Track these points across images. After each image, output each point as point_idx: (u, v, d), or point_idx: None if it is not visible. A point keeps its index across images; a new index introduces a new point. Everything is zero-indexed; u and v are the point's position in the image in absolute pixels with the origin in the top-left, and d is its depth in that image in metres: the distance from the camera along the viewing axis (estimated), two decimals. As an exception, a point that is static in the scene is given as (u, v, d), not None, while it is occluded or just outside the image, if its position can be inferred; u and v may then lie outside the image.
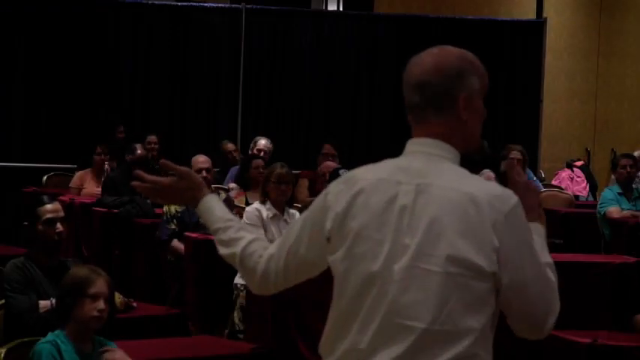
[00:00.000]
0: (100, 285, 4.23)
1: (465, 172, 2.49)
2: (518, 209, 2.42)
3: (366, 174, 2.55)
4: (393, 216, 2.45)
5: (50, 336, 4.17)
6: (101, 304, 4.20)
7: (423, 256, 2.40)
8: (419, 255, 2.40)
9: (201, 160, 8.20)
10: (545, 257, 2.52)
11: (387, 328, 2.43)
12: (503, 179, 2.63)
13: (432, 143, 2.50)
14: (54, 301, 4.92)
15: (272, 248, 2.71)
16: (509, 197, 2.42)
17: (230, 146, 11.37)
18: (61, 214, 5.20)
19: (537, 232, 2.57)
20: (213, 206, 2.80)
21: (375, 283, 2.45)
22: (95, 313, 4.19)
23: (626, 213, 9.41)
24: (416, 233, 2.41)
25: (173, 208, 7.96)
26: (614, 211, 9.41)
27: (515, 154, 10.00)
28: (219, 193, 8.27)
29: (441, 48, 2.56)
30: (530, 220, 2.55)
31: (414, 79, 2.52)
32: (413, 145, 2.54)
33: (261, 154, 10.39)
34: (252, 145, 10.92)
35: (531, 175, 10.84)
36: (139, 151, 9.54)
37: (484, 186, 2.44)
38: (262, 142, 10.83)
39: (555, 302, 2.46)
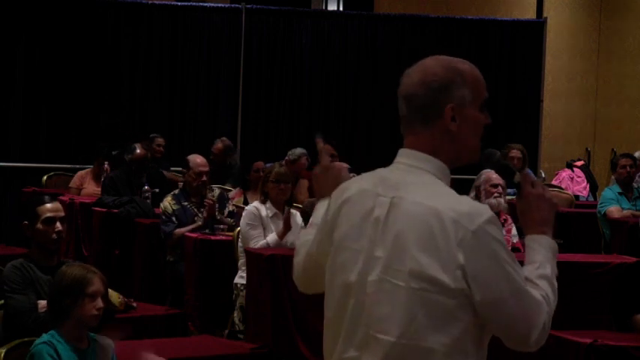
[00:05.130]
0: (97, 284, 4.26)
1: (440, 186, 2.46)
2: (489, 226, 2.38)
3: (354, 184, 2.59)
4: (369, 227, 2.47)
5: (45, 336, 4.18)
6: (100, 303, 4.24)
7: (390, 270, 2.42)
8: (387, 269, 2.42)
9: (200, 162, 8.14)
10: (544, 269, 2.48)
11: (366, 339, 2.46)
12: (517, 190, 2.58)
13: (415, 155, 2.50)
14: None
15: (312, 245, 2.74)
16: (478, 214, 2.38)
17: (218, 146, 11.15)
18: (61, 213, 5.18)
19: (544, 245, 2.52)
20: (319, 208, 2.85)
21: (352, 295, 2.48)
22: (95, 312, 4.22)
23: (626, 213, 9.40)
24: (386, 246, 2.43)
25: (170, 207, 7.96)
26: (614, 210, 9.41)
27: (515, 154, 10.01)
28: (212, 190, 8.25)
29: (432, 58, 2.55)
30: (539, 232, 2.53)
31: (403, 90, 2.53)
32: (400, 155, 2.54)
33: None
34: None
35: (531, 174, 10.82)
36: (137, 151, 9.51)
37: (452, 202, 2.41)
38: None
39: (538, 316, 2.40)
